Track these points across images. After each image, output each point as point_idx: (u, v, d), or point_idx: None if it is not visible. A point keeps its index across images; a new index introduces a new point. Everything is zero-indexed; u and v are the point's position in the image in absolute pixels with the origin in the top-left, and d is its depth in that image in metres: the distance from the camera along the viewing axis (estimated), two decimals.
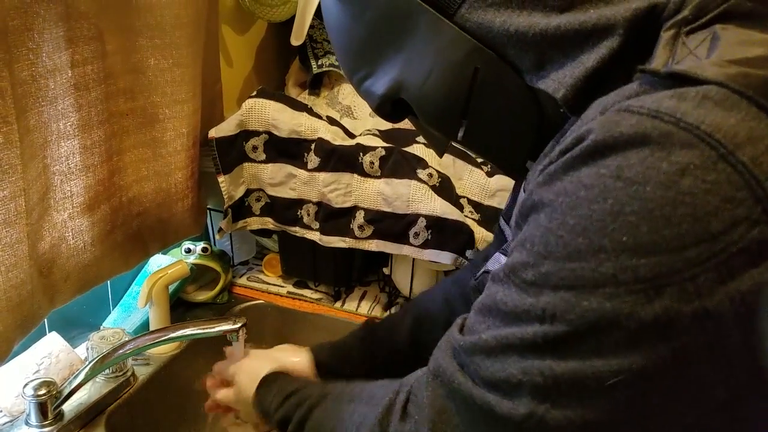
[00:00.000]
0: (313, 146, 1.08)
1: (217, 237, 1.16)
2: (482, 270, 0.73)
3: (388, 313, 1.17)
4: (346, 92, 1.24)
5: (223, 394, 0.81)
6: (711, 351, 0.37)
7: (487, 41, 0.50)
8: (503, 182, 1.06)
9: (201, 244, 1.14)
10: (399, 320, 0.86)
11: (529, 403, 0.40)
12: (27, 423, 0.84)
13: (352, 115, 1.21)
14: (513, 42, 0.49)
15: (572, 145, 0.40)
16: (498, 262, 0.69)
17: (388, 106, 0.59)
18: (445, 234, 1.02)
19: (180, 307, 1.14)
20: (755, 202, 0.35)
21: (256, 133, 1.10)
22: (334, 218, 1.09)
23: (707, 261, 0.35)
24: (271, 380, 0.74)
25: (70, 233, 0.83)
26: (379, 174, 1.06)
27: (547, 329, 0.39)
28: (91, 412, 0.87)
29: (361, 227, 1.07)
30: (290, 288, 1.21)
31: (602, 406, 0.38)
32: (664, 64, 0.41)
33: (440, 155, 0.70)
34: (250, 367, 0.78)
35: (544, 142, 0.52)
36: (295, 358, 0.81)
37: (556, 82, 0.47)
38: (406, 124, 1.19)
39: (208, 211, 1.20)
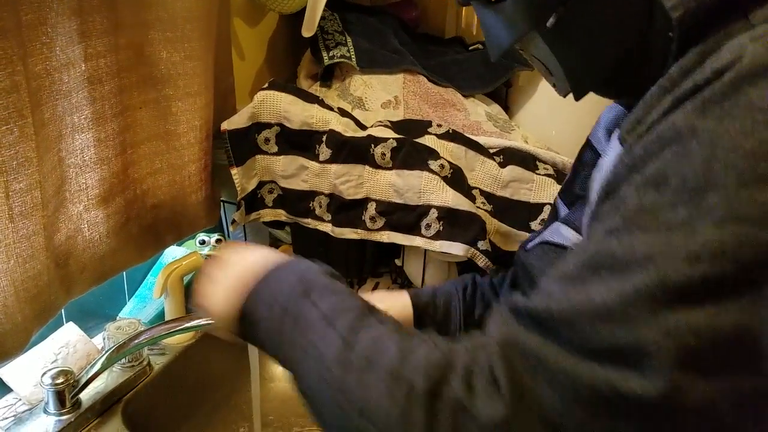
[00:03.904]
0: (324, 138, 1.08)
1: (230, 229, 1.17)
2: (537, 240, 0.67)
3: None
4: (358, 84, 1.24)
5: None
6: None
7: None
8: (516, 173, 1.06)
9: (215, 236, 1.15)
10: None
11: (670, 373, 0.31)
12: (45, 411, 0.86)
13: (364, 107, 1.21)
14: None
15: (719, 73, 0.36)
16: (558, 232, 0.63)
17: None
18: (457, 225, 1.02)
19: None
20: None
21: (268, 125, 1.10)
22: (346, 210, 1.09)
23: None
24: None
25: (86, 225, 0.84)
26: (390, 165, 1.06)
27: (707, 270, 0.31)
28: (108, 400, 0.89)
29: (372, 219, 1.07)
30: None
31: None
32: None
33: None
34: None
35: (631, 71, 0.47)
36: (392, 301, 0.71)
37: None
38: (416, 114, 1.20)
39: (221, 203, 1.21)
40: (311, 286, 0.52)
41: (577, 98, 0.55)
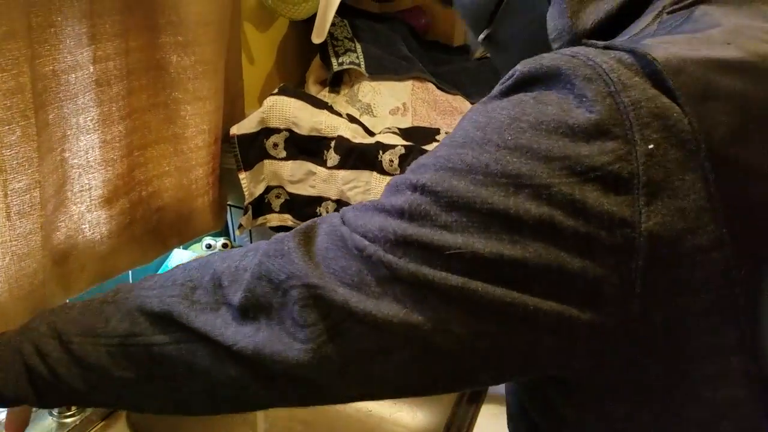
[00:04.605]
0: (332, 144, 1.08)
1: (237, 233, 1.17)
2: None
3: None
4: (366, 90, 1.24)
5: None
6: (545, 257, 0.39)
7: None
8: None
9: (221, 240, 1.16)
10: None
11: (379, 250, 0.43)
12: (50, 414, 0.86)
13: (372, 113, 1.21)
14: None
15: (504, 81, 0.45)
16: None
17: None
18: None
19: None
20: (625, 142, 0.37)
21: (277, 131, 1.10)
22: None
23: (566, 177, 0.38)
24: None
25: (87, 225, 0.85)
26: (398, 172, 1.05)
27: (416, 198, 0.43)
28: None
29: None
30: None
31: (437, 270, 0.41)
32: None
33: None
34: None
35: None
36: None
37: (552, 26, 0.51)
38: (424, 122, 1.19)
39: (228, 207, 1.21)
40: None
41: None
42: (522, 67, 0.43)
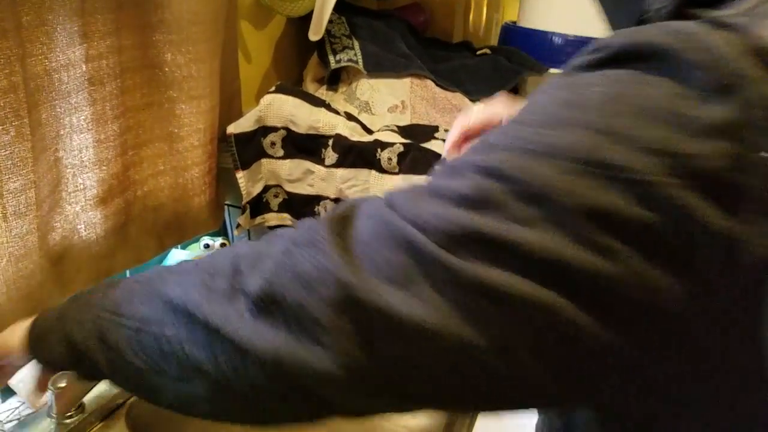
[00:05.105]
0: (330, 142, 1.07)
1: (235, 233, 1.17)
2: None
3: None
4: (365, 88, 1.23)
5: None
6: (637, 273, 0.33)
7: None
8: None
9: (219, 240, 1.15)
10: None
11: (432, 244, 0.36)
12: (49, 415, 0.85)
13: (370, 111, 1.20)
14: None
15: (592, 51, 0.39)
16: None
17: None
18: None
19: None
20: (738, 143, 0.31)
21: (275, 129, 1.09)
22: None
23: (669, 176, 0.32)
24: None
25: (83, 225, 0.84)
26: (397, 170, 1.05)
27: (484, 182, 0.36)
28: (112, 404, 0.88)
29: None
30: None
31: (506, 275, 0.34)
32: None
33: None
34: None
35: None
36: None
37: None
38: (423, 119, 1.19)
39: (226, 206, 1.21)
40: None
41: None
42: (615, 39, 0.36)
